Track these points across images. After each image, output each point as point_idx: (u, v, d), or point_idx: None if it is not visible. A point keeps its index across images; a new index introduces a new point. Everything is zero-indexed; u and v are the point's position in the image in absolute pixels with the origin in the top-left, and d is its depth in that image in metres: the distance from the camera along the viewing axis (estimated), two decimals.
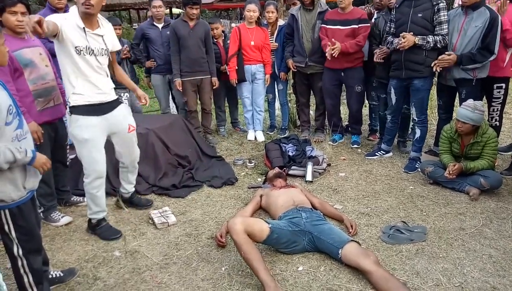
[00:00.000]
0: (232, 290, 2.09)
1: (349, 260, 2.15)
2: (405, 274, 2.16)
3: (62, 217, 2.86)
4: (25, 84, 2.49)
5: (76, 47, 2.33)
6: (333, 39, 3.81)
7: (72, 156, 3.07)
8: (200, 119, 4.59)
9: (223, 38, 4.61)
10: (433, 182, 3.29)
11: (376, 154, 3.98)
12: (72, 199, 3.14)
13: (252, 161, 3.90)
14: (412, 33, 3.28)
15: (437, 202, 2.99)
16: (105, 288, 2.15)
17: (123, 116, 2.65)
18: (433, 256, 2.31)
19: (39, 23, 1.91)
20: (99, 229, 2.67)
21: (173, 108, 5.02)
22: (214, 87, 4.39)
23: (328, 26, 4.01)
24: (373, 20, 4.05)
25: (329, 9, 4.19)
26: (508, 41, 3.24)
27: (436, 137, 3.84)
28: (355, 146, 4.30)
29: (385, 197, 3.13)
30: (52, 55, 2.69)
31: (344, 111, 4.98)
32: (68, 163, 3.06)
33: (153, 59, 4.39)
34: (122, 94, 4.17)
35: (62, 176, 3.01)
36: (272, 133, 4.90)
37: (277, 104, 5.08)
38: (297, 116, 5.08)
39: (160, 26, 4.34)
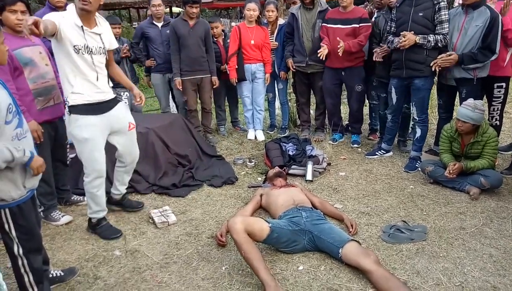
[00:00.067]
0: (233, 289, 2.09)
1: (349, 260, 2.15)
2: (406, 274, 2.16)
3: (62, 216, 2.86)
4: (25, 83, 2.49)
5: (74, 46, 2.32)
6: (337, 38, 3.81)
7: (72, 155, 3.07)
8: (200, 119, 4.59)
9: (223, 37, 4.60)
10: (434, 181, 3.29)
11: (377, 153, 3.97)
12: (72, 198, 3.14)
13: (252, 160, 3.90)
14: (413, 32, 3.27)
15: (438, 201, 2.99)
16: (106, 288, 2.15)
17: (122, 114, 2.65)
18: (433, 255, 2.31)
19: (36, 24, 1.89)
20: (99, 228, 2.66)
21: (173, 108, 5.01)
22: (214, 87, 4.38)
23: (329, 25, 4.01)
24: (373, 19, 4.04)
25: (329, 8, 4.19)
26: (509, 41, 3.24)
27: (436, 136, 3.84)
28: (355, 145, 4.30)
29: (385, 196, 3.12)
30: (52, 54, 2.68)
31: (344, 110, 4.97)
32: (68, 162, 3.06)
33: (152, 58, 4.38)
34: (122, 93, 4.16)
35: (62, 175, 3.00)
36: (272, 132, 4.90)
37: (277, 104, 5.08)
38: (297, 116, 5.08)
39: (159, 25, 4.33)
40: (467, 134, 3.10)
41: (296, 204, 2.57)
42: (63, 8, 3.30)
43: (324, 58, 3.85)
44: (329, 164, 3.77)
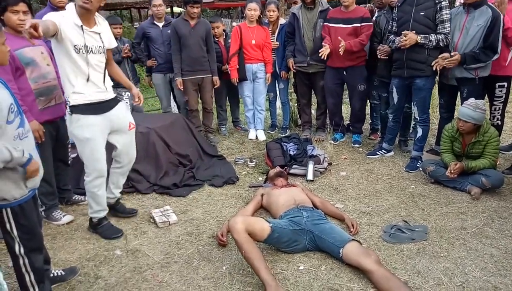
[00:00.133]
0: (233, 289, 2.09)
1: (350, 259, 2.15)
2: (406, 274, 2.15)
3: (63, 216, 2.87)
4: (27, 83, 2.49)
5: (75, 46, 2.31)
6: (339, 37, 3.80)
7: (74, 155, 3.07)
8: (201, 119, 4.59)
9: (224, 37, 4.60)
10: (435, 181, 3.28)
11: (378, 153, 3.97)
12: (73, 197, 3.14)
13: (253, 160, 3.90)
14: (414, 31, 3.27)
15: (439, 201, 2.99)
16: (106, 287, 2.15)
17: (123, 114, 2.65)
18: (434, 255, 2.31)
19: (35, 27, 1.89)
20: (100, 228, 2.67)
21: (174, 107, 5.02)
22: (215, 87, 4.39)
23: (330, 25, 4.00)
24: (374, 18, 4.04)
25: (330, 7, 4.18)
26: (509, 40, 3.23)
27: (437, 136, 3.84)
28: (356, 145, 4.29)
29: (386, 196, 3.12)
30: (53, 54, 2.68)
31: (345, 110, 4.97)
32: (69, 162, 3.06)
33: (154, 58, 4.39)
34: (123, 93, 4.17)
35: (63, 175, 3.01)
36: (273, 132, 4.89)
37: (278, 103, 5.07)
38: (298, 115, 5.07)
39: (160, 25, 4.34)
40: (468, 134, 3.09)
41: (297, 203, 2.57)
42: (64, 8, 3.31)
43: (325, 58, 3.85)
44: (330, 164, 3.77)
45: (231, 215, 2.86)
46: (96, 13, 2.45)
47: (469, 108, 2.99)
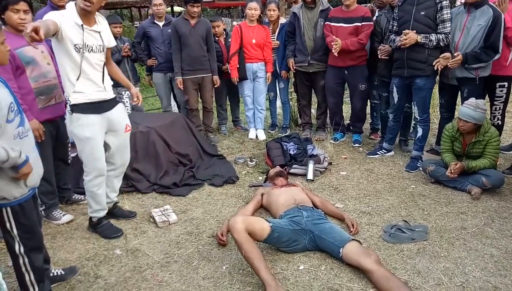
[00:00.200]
0: (233, 289, 2.09)
1: (350, 259, 2.15)
2: (406, 274, 2.15)
3: (63, 215, 2.87)
4: (27, 82, 2.49)
5: (75, 45, 2.31)
6: (334, 37, 3.81)
7: (74, 154, 3.06)
8: (201, 118, 4.59)
9: (224, 36, 4.60)
10: (435, 181, 3.28)
11: (378, 152, 3.97)
12: (73, 197, 3.14)
13: (253, 160, 3.90)
14: (415, 31, 3.26)
15: (439, 201, 2.99)
16: (106, 287, 2.15)
17: (121, 115, 2.64)
18: (434, 255, 2.31)
19: (36, 30, 1.88)
20: (100, 227, 2.67)
21: (174, 107, 5.01)
22: (215, 86, 4.38)
23: (332, 24, 4.00)
24: (374, 18, 4.03)
25: (330, 7, 4.18)
26: (510, 39, 3.22)
27: (438, 136, 3.84)
28: (357, 144, 4.29)
29: (386, 196, 3.12)
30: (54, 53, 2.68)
31: (345, 109, 4.96)
32: (69, 161, 3.06)
33: (154, 58, 4.38)
34: (123, 92, 4.17)
35: (63, 174, 3.01)
36: (273, 131, 4.89)
37: (279, 103, 5.07)
38: (298, 115, 5.07)
39: (161, 24, 4.34)
40: (468, 133, 3.09)
41: (297, 203, 2.57)
42: (64, 7, 3.31)
43: (336, 54, 3.82)
44: (330, 163, 3.76)
45: (231, 214, 2.86)
46: (96, 12, 2.45)
47: (469, 108, 2.98)
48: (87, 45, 2.36)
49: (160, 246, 2.52)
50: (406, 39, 3.24)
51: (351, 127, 4.55)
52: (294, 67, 4.29)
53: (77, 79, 2.38)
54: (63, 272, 2.19)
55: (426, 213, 2.82)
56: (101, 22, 2.49)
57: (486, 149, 3.05)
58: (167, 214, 2.86)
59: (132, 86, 2.79)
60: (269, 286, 1.95)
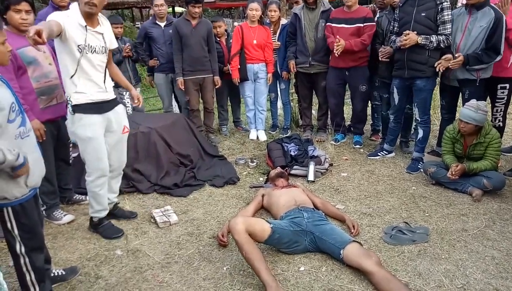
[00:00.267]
0: (234, 290, 2.09)
1: (350, 261, 2.15)
2: (407, 275, 2.15)
3: (64, 215, 2.87)
4: (28, 82, 2.50)
5: (78, 45, 2.32)
6: (337, 37, 3.80)
7: (75, 154, 3.07)
8: (202, 118, 4.59)
9: (226, 37, 4.60)
10: (436, 182, 3.28)
11: (379, 154, 3.97)
12: (74, 197, 3.14)
13: (254, 160, 3.90)
14: (415, 32, 3.26)
15: (440, 203, 2.98)
16: (107, 287, 2.15)
17: (120, 117, 2.64)
18: (435, 257, 2.31)
19: (39, 33, 1.88)
20: (101, 228, 2.67)
21: (175, 107, 5.02)
22: (216, 86, 4.39)
23: (333, 25, 4.00)
24: (375, 18, 4.03)
25: (332, 8, 4.18)
26: (510, 41, 3.22)
27: (439, 137, 3.83)
28: (358, 146, 4.29)
29: (387, 197, 3.12)
30: (55, 53, 2.68)
31: (346, 111, 4.96)
32: (70, 161, 3.06)
33: (156, 58, 4.39)
34: (124, 93, 4.17)
35: (64, 174, 3.01)
36: (274, 132, 4.89)
37: (279, 104, 5.07)
38: (299, 116, 5.07)
39: (162, 24, 4.34)
40: (469, 135, 3.09)
41: (298, 204, 2.57)
42: (66, 7, 3.31)
43: (337, 54, 3.81)
44: (331, 165, 3.76)
45: (231, 215, 2.86)
46: (99, 13, 2.46)
47: (470, 110, 2.98)
48: (90, 46, 2.36)
49: (161, 247, 2.52)
50: (406, 40, 3.24)
51: (352, 129, 4.55)
52: (295, 69, 4.29)
53: (79, 79, 2.38)
54: (64, 272, 2.19)
55: (427, 214, 2.82)
56: (103, 23, 2.49)
57: (487, 151, 3.05)
58: (168, 214, 2.86)
59: (132, 88, 2.79)
60: (269, 287, 1.95)
